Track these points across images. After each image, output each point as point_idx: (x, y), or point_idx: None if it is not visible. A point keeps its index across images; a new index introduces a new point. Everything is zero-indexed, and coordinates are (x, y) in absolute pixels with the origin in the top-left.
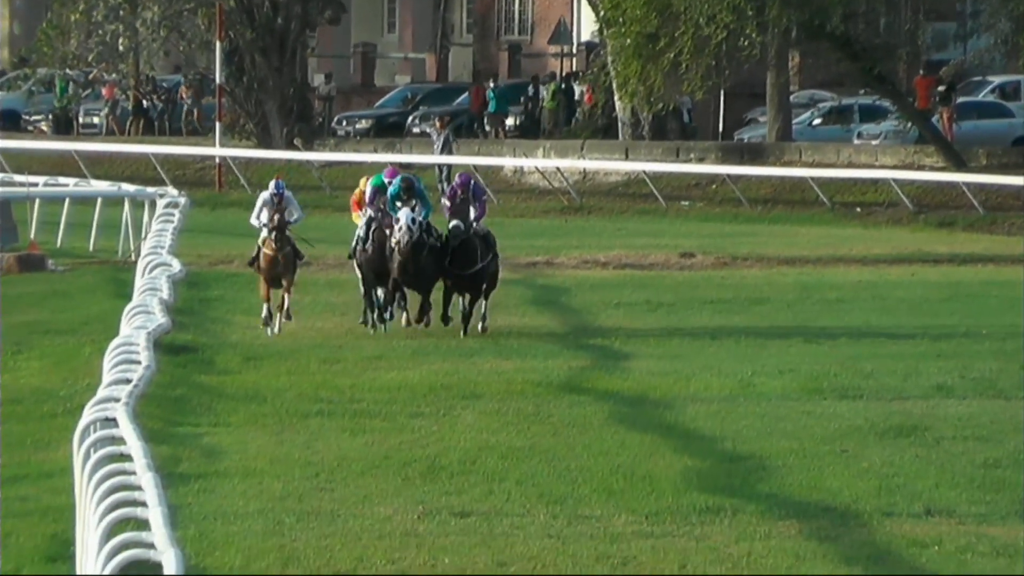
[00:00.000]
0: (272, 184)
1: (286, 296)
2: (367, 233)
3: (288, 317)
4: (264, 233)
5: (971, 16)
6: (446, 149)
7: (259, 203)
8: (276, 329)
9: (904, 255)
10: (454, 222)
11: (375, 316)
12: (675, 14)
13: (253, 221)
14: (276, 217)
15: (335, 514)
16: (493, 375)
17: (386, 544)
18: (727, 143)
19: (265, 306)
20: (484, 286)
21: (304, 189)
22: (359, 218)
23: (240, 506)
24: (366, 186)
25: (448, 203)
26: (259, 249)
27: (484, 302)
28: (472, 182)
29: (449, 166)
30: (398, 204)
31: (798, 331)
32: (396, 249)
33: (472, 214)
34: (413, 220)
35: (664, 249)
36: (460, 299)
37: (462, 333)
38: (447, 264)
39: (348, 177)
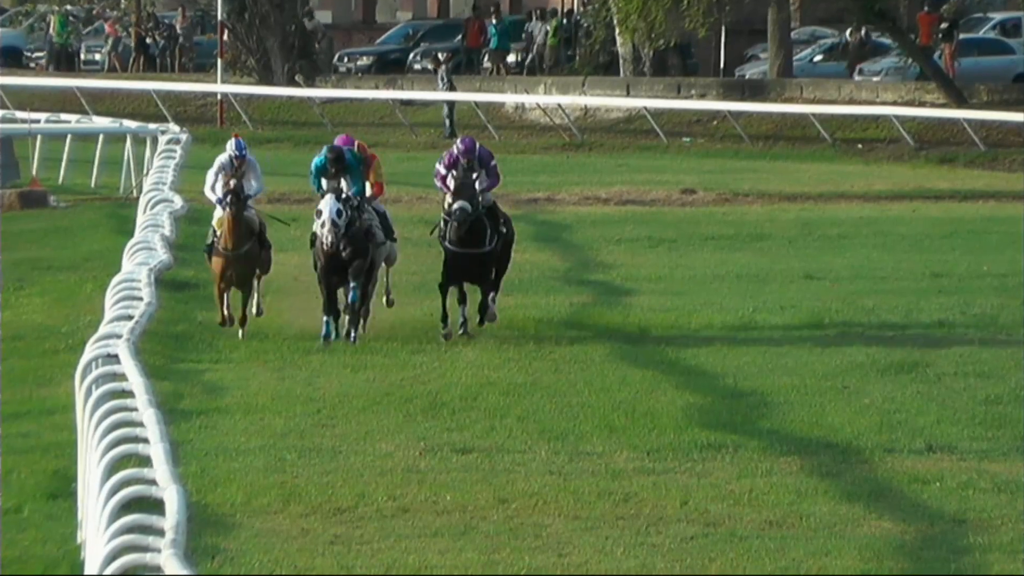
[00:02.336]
0: (230, 143)
1: (250, 300)
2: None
3: (256, 310)
4: (218, 212)
5: None
6: (446, 86)
7: (214, 168)
8: (242, 335)
9: (905, 191)
10: (459, 203)
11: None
12: None
13: (207, 192)
14: (231, 182)
15: (336, 450)
16: None
17: (387, 480)
18: (728, 79)
19: (220, 309)
20: (492, 273)
21: (306, 126)
22: None
23: (242, 442)
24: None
25: (445, 171)
26: (215, 235)
27: (495, 293)
28: (477, 147)
29: (452, 102)
30: (323, 181)
31: (799, 267)
32: (320, 249)
33: (478, 185)
34: (339, 212)
35: (665, 185)
36: (461, 306)
37: (470, 328)
38: (447, 244)
39: (349, 114)
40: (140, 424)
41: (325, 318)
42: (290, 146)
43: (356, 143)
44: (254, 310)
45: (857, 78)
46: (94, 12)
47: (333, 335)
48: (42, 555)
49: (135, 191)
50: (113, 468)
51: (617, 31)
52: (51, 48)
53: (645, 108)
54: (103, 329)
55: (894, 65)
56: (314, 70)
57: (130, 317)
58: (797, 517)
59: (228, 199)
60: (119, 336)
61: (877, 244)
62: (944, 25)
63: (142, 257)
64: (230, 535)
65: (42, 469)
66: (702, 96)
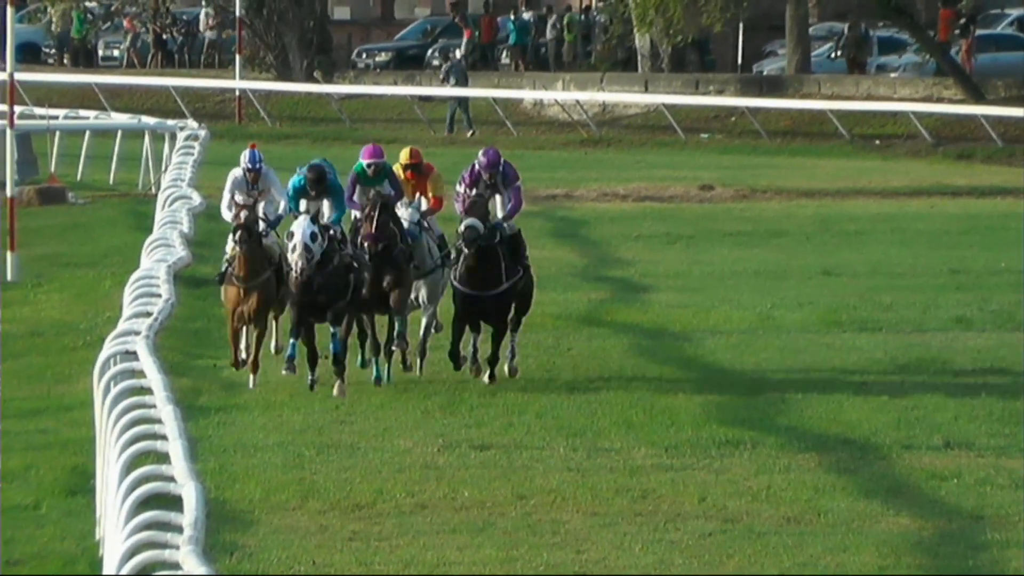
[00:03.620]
0: (244, 155)
1: (254, 342)
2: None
3: (275, 347)
4: (231, 240)
5: None
6: (457, 77)
7: (228, 184)
8: (252, 383)
9: (923, 187)
10: (469, 220)
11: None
12: None
13: (224, 213)
14: (243, 213)
15: (355, 447)
16: None
17: (406, 477)
18: (746, 75)
19: (233, 349)
20: (510, 315)
21: (324, 122)
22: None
23: (260, 439)
24: (397, 167)
25: (463, 190)
26: (227, 266)
27: (514, 335)
28: (502, 162)
29: (465, 98)
30: (302, 202)
31: (817, 263)
32: (292, 279)
33: (499, 208)
34: (313, 235)
35: (683, 181)
36: (474, 334)
37: (486, 377)
38: (456, 281)
39: (368, 110)
40: (158, 421)
41: (292, 340)
42: (308, 142)
43: (411, 150)
44: (272, 348)
45: (875, 74)
46: (112, 8)
47: (297, 358)
48: (60, 551)
49: (153, 187)
50: (131, 465)
51: (635, 27)
52: (69, 44)
53: (663, 104)
54: (121, 326)
55: (912, 61)
56: (332, 66)
57: (148, 314)
58: (815, 513)
59: (239, 235)
60: (137, 333)
61: (895, 240)
62: (962, 21)
63: (160, 254)
64: (248, 531)
65: (60, 465)
66: (720, 92)
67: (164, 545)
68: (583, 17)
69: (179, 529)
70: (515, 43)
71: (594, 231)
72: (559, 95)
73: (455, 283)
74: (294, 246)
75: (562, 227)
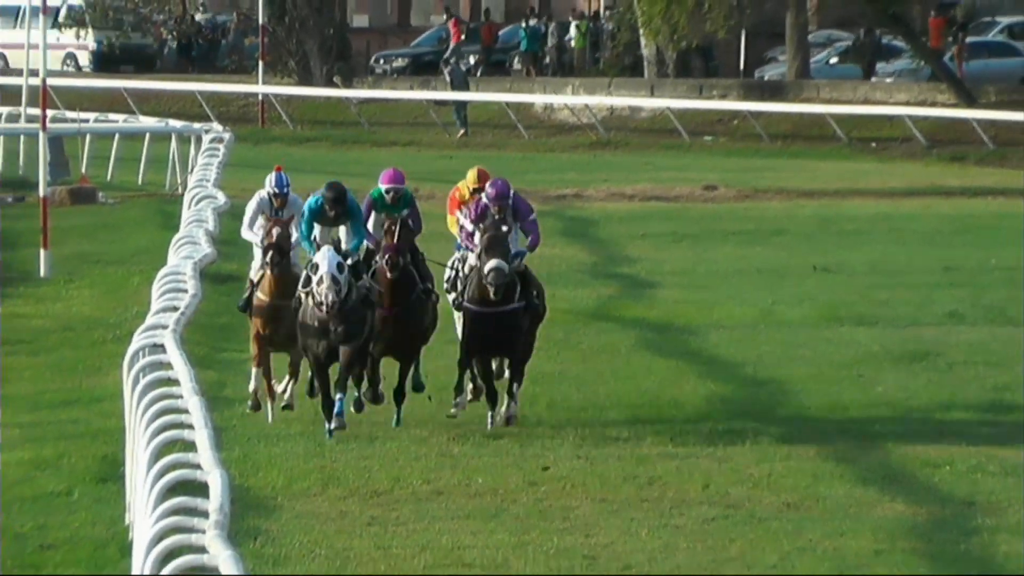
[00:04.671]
0: (270, 178)
1: (288, 375)
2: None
3: (286, 403)
4: (257, 260)
5: None
6: (454, 80)
7: (251, 206)
8: (270, 417)
9: (918, 188)
10: (494, 263)
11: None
12: None
13: (245, 234)
14: (275, 230)
15: (373, 436)
16: None
17: (422, 464)
18: (748, 80)
19: (254, 376)
20: (523, 339)
21: (343, 125)
22: (454, 224)
23: (282, 429)
24: (463, 188)
25: (471, 226)
26: (252, 289)
27: (514, 383)
28: (512, 194)
29: (463, 101)
30: (315, 226)
31: (816, 261)
32: (317, 311)
33: (514, 242)
34: (340, 266)
35: (688, 182)
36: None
37: (501, 415)
38: (468, 304)
39: (385, 113)
40: (185, 411)
41: (340, 396)
42: (328, 145)
43: (478, 171)
44: (282, 391)
45: (873, 79)
46: (143, 16)
47: (343, 415)
48: (91, 536)
49: (180, 188)
50: (159, 453)
51: (641, 34)
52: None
53: (669, 108)
54: (150, 320)
55: (907, 67)
56: (351, 72)
57: (176, 308)
58: (814, 500)
59: (269, 256)
60: (165, 327)
61: (891, 239)
62: (954, 28)
63: (187, 251)
64: (271, 517)
65: (91, 454)
66: (723, 97)
67: (191, 530)
68: (592, 25)
69: (205, 514)
70: (526, 50)
71: (602, 230)
72: (569, 99)
73: (468, 304)
74: (320, 278)
75: (572, 226)
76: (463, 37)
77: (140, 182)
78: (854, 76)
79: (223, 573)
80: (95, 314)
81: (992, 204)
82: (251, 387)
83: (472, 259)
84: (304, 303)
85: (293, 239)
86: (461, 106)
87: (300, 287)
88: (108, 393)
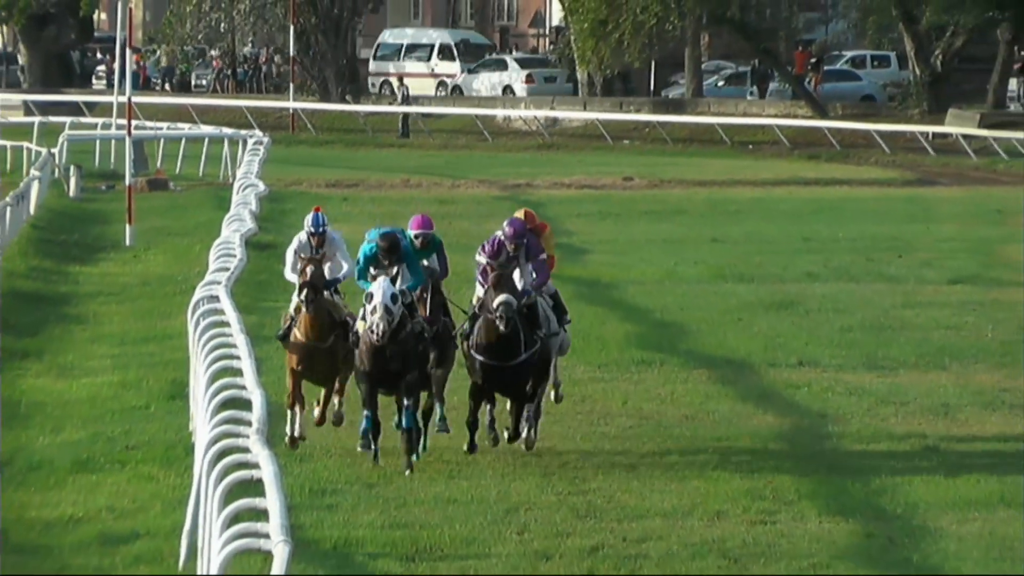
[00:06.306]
0: (308, 219)
1: (335, 398)
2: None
3: (337, 420)
4: (295, 298)
5: (831, 6)
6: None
7: (292, 247)
8: (296, 429)
9: (783, 179)
10: (504, 297)
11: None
12: (619, 4)
13: (287, 275)
14: (309, 269)
15: None
16: None
17: None
18: (657, 99)
19: (289, 417)
20: (528, 385)
21: (353, 131)
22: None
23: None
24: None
25: (485, 262)
26: (291, 322)
27: (529, 405)
28: (527, 234)
29: (406, 115)
30: (371, 272)
31: (708, 234)
32: (367, 341)
33: (520, 280)
34: (394, 297)
35: (612, 175)
36: (489, 405)
37: (522, 445)
38: (475, 353)
39: (384, 123)
40: (234, 346)
41: (367, 413)
42: (341, 147)
43: (525, 212)
44: (332, 416)
45: (748, 98)
46: (204, 50)
47: (371, 436)
48: (164, 440)
49: (230, 179)
50: (214, 377)
51: (577, 64)
52: (171, 75)
53: (597, 119)
54: (207, 278)
55: (776, 88)
56: (359, 91)
57: (227, 269)
58: (706, 413)
59: (304, 294)
60: (219, 283)
61: (764, 217)
62: (812, 60)
63: (236, 226)
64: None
65: (164, 378)
66: (638, 111)
67: (238, 435)
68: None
69: (249, 423)
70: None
71: (548, 210)
72: (522, 112)
73: (474, 353)
74: (374, 307)
75: (522, 207)
76: None
77: (200, 174)
78: (737, 95)
79: (263, 467)
80: (166, 273)
81: (839, 191)
82: (287, 431)
83: (479, 291)
84: (361, 332)
85: (342, 272)
86: (406, 117)
87: (359, 318)
88: (176, 332)
